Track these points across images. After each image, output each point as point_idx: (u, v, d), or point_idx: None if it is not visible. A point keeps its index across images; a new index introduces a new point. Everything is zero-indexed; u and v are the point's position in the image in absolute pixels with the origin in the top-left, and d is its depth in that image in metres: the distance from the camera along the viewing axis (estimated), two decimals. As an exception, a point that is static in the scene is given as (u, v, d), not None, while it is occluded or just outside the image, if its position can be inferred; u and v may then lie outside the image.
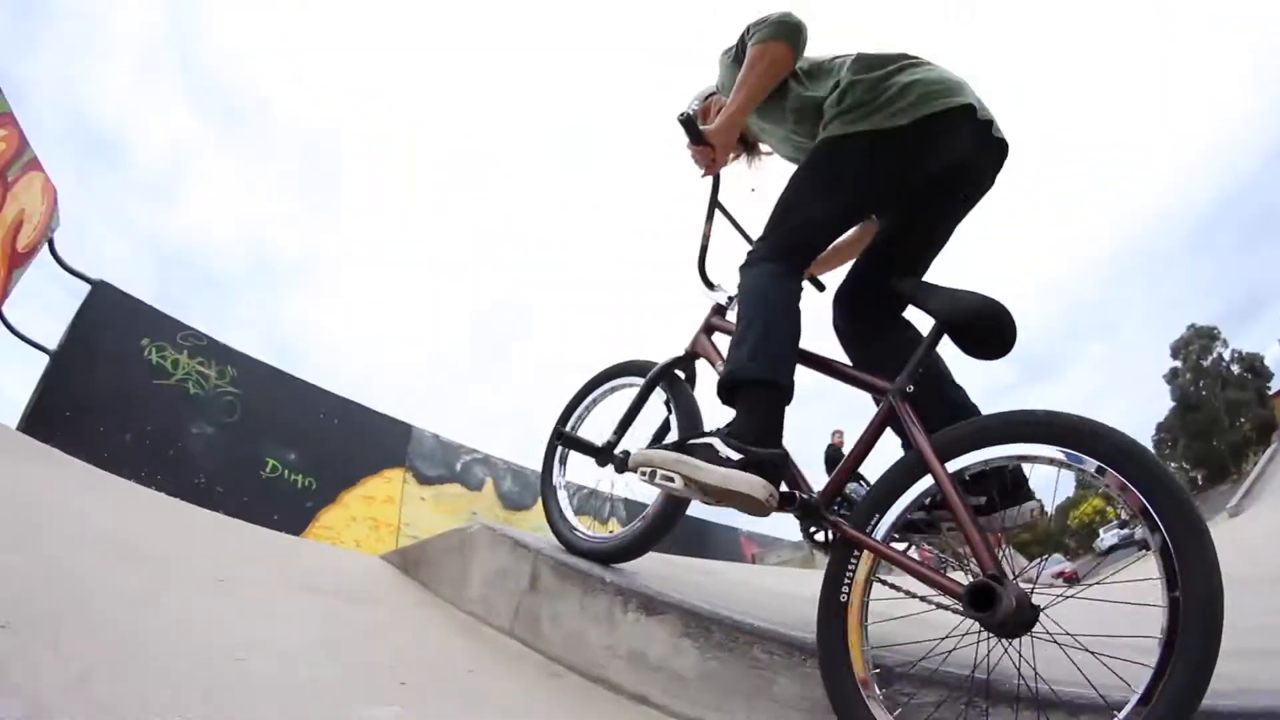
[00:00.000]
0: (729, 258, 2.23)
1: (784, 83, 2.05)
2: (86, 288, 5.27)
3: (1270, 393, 64.41)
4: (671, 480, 1.79)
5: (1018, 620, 1.36)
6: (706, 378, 2.33)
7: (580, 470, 2.78)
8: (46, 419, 4.69)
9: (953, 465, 1.53)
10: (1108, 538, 52.78)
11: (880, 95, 1.84)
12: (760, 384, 1.82)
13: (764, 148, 2.51)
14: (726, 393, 1.89)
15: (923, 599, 1.56)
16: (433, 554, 2.61)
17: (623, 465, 2.29)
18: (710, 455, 1.79)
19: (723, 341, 2.23)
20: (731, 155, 2.43)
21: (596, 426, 2.68)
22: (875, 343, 2.08)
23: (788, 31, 1.95)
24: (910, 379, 1.72)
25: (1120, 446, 1.36)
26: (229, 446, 5.78)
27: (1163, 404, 75.88)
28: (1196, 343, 73.04)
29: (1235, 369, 70.56)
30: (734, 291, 2.18)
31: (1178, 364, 74.32)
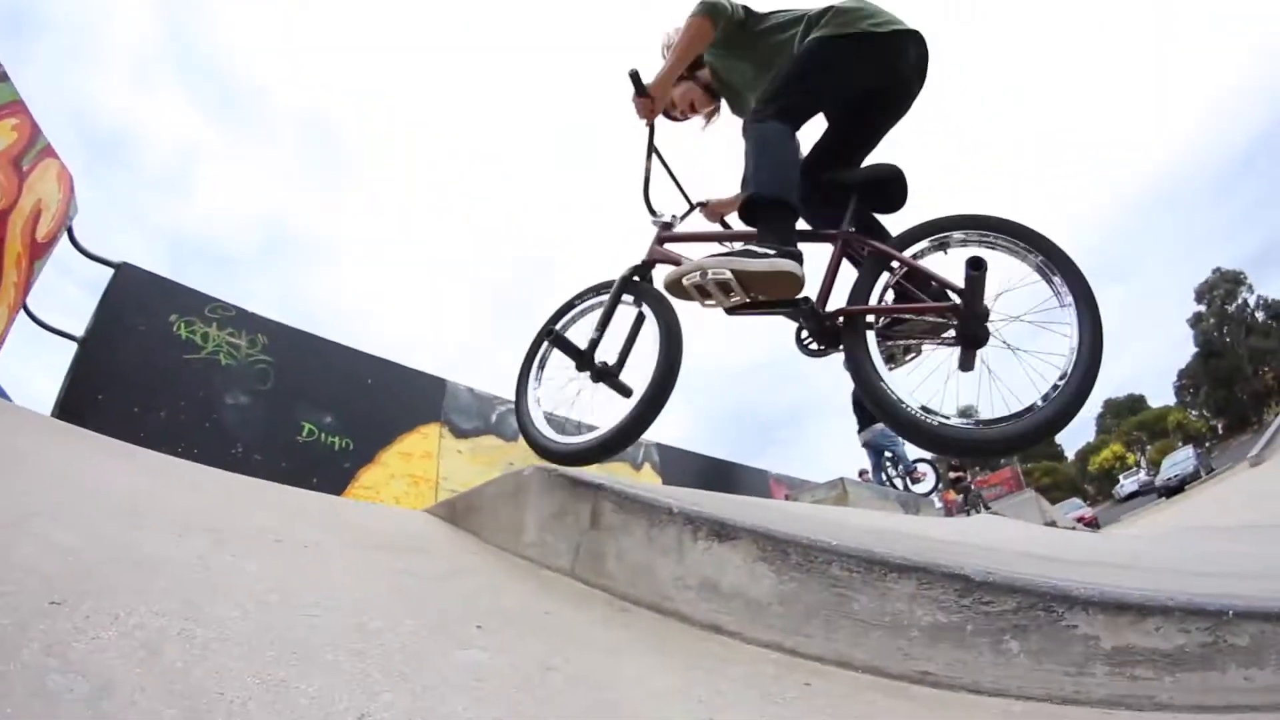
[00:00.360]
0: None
1: (755, 34, 2.60)
2: (107, 275, 5.18)
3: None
4: (722, 274, 2.22)
5: (983, 321, 2.15)
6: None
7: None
8: (79, 405, 4.67)
9: (907, 253, 2.31)
10: (1127, 484, 52.53)
11: (858, 14, 2.40)
12: (774, 202, 2.31)
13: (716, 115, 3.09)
14: (749, 212, 2.39)
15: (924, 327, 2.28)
16: (483, 501, 2.56)
17: (599, 376, 2.69)
18: (749, 253, 2.25)
19: (674, 247, 2.79)
20: (697, 111, 3.03)
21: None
22: (823, 210, 2.57)
23: (709, 9, 2.52)
24: (850, 223, 2.42)
25: (988, 219, 2.25)
26: (264, 414, 5.77)
27: (1185, 350, 75.16)
28: (1221, 287, 71.25)
29: (1260, 315, 68.96)
30: (676, 213, 2.94)
31: (1201, 308, 72.87)
